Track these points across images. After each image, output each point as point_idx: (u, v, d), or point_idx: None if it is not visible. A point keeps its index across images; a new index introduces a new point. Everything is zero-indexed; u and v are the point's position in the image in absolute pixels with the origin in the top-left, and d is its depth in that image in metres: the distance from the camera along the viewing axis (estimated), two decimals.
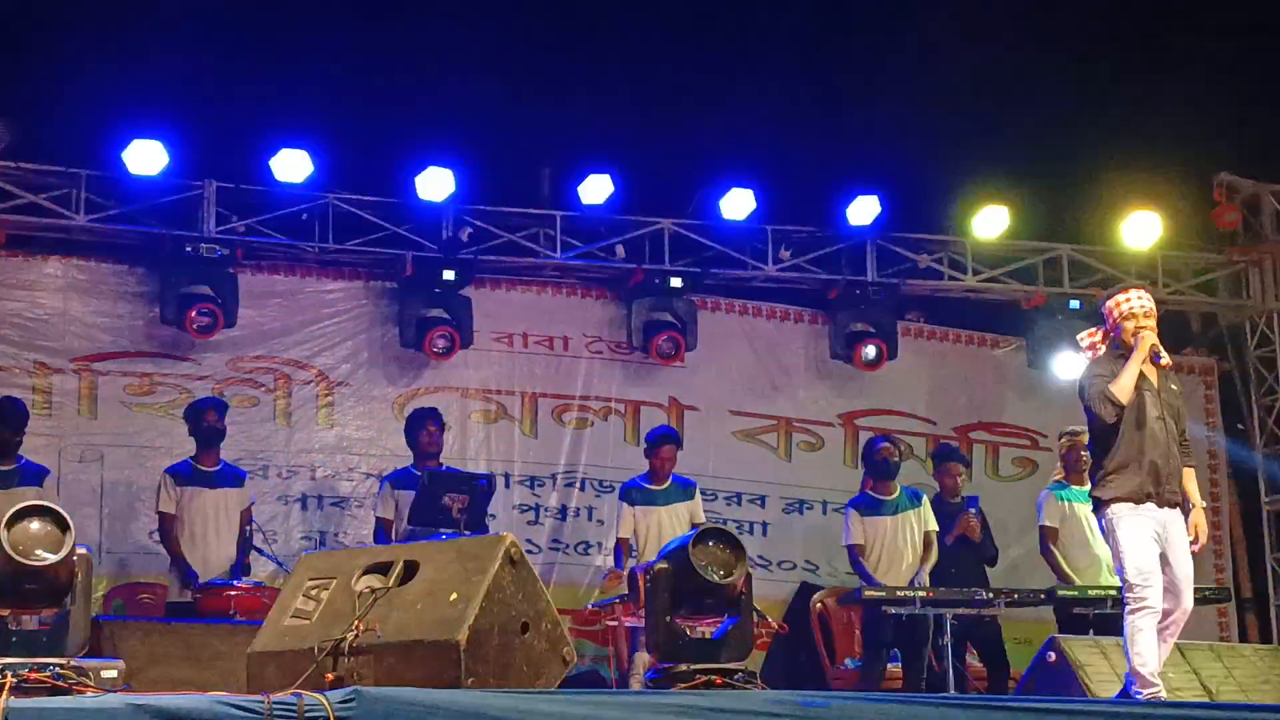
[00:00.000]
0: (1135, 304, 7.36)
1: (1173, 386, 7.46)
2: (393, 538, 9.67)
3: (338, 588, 6.77)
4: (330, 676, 6.14)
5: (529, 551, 9.60)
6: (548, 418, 11.47)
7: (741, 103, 11.54)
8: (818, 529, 11.60)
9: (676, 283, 11.32)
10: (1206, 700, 8.06)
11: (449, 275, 10.87)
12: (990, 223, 11.76)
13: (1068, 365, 11.48)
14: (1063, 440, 10.43)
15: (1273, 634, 12.18)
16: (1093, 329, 7.61)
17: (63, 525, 6.10)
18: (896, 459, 10.38)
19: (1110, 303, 7.47)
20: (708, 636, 7.12)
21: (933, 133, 11.50)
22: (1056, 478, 10.47)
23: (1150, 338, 7.29)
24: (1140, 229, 11.94)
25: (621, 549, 10.08)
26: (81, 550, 6.27)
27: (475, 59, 11.52)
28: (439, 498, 9.09)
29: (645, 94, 11.85)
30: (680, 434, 10.82)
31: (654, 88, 11.86)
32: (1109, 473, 7.25)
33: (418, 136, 11.24)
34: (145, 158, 10.38)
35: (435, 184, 10.91)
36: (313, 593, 6.80)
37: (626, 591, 9.42)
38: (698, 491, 10.24)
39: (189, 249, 10.43)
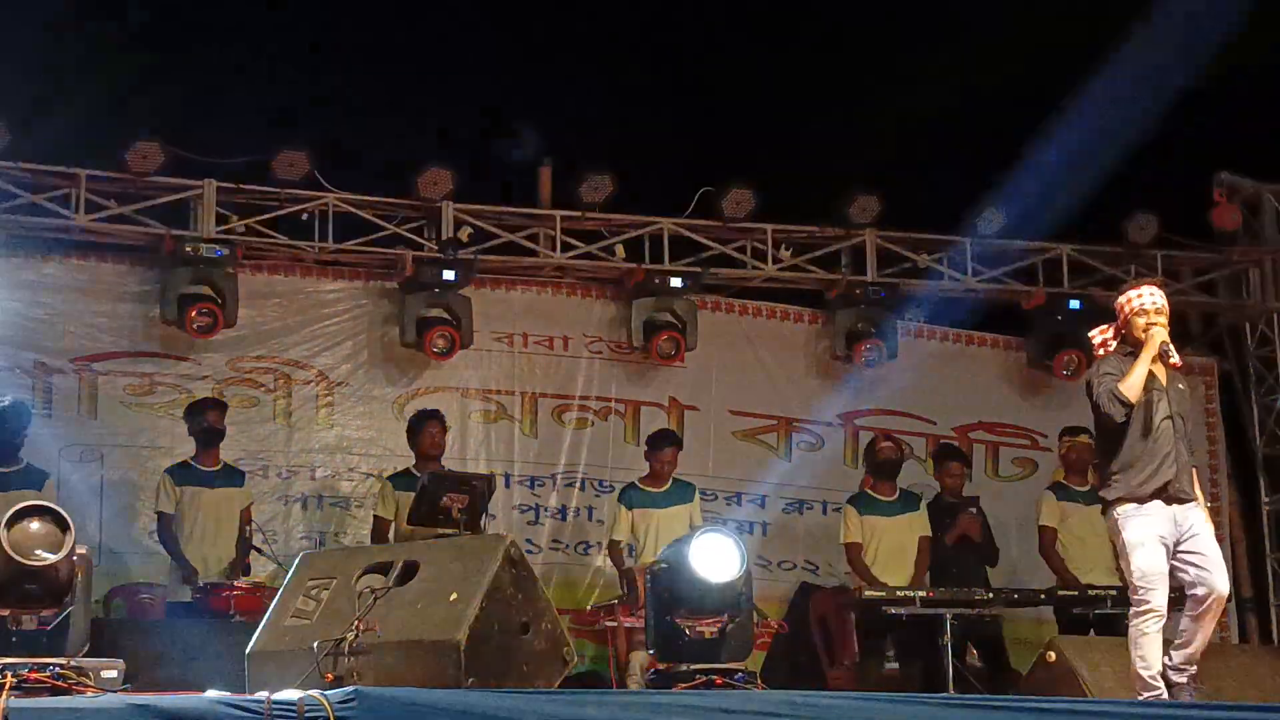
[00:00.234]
0: (1146, 300, 7.23)
1: (1180, 386, 7.36)
2: (392, 538, 9.69)
3: (338, 587, 6.79)
4: (330, 676, 6.15)
5: (529, 551, 9.65)
6: (548, 418, 11.45)
7: (741, 102, 11.54)
8: (818, 529, 11.57)
9: (676, 283, 11.30)
10: (1206, 700, 8.05)
11: (449, 275, 10.85)
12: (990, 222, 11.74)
13: (1067, 365, 11.50)
14: (1063, 440, 10.45)
15: (1273, 634, 12.18)
16: (1104, 325, 7.45)
17: (63, 525, 6.11)
18: (897, 458, 10.40)
19: (1122, 299, 7.34)
20: (708, 636, 7.14)
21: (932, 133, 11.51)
22: (1057, 478, 10.49)
23: (1161, 334, 7.16)
24: (1140, 229, 11.92)
25: (615, 552, 10.08)
26: (81, 550, 6.27)
27: (475, 59, 11.53)
28: (439, 498, 9.08)
29: (645, 93, 11.84)
30: (680, 434, 10.82)
31: (654, 87, 11.86)
32: (1115, 472, 7.16)
33: (418, 136, 11.24)
34: (145, 158, 10.36)
35: (435, 184, 10.90)
36: (313, 593, 6.82)
37: (625, 591, 9.44)
38: (697, 495, 10.25)
39: (189, 249, 10.41)
